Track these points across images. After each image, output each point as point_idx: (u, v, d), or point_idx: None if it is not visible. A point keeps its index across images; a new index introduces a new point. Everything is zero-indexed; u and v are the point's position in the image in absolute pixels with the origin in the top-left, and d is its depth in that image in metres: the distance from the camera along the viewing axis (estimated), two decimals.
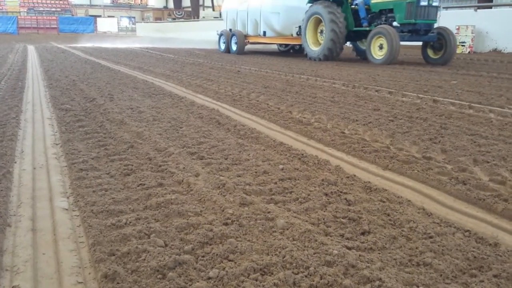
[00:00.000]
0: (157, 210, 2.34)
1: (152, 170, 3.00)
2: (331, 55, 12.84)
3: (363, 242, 2.03)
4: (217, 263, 1.84)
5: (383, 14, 12.22)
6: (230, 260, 1.86)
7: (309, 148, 3.71)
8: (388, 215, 2.32)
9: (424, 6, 11.20)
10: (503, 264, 1.85)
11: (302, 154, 3.42)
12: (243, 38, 16.50)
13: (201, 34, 31.67)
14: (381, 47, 11.55)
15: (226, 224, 2.19)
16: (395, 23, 11.79)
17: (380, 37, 11.46)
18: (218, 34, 18.24)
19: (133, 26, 56.65)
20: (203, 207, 2.40)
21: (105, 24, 55.87)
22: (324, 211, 2.37)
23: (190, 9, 55.81)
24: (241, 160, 3.26)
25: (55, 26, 47.72)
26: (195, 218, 2.23)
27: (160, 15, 62.31)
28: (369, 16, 12.55)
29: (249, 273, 1.76)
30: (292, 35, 15.32)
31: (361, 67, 10.94)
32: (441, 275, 1.78)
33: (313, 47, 13.50)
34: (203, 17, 47.24)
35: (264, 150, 3.57)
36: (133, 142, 3.66)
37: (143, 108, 5.18)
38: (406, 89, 6.93)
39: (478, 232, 2.17)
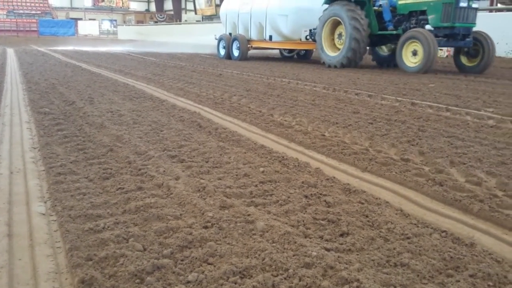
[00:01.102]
0: (136, 214, 2.33)
1: (131, 174, 2.97)
2: (353, 62, 11.59)
3: (341, 244, 2.05)
4: (196, 267, 1.83)
5: (413, 16, 10.99)
6: (209, 264, 1.86)
7: (289, 151, 3.73)
8: (367, 216, 2.35)
9: (464, 8, 10.02)
10: (479, 264, 1.88)
11: (283, 157, 3.44)
12: (246, 43, 15.05)
13: (187, 38, 31.55)
14: (414, 53, 10.31)
15: (205, 227, 2.19)
16: (428, 26, 10.41)
17: (414, 42, 10.20)
18: (216, 39, 16.80)
19: (115, 29, 56.21)
20: (183, 211, 2.39)
21: (86, 27, 55.33)
22: (304, 213, 2.39)
23: (172, 12, 55.69)
24: (222, 163, 3.26)
25: (35, 29, 47.03)
26: (175, 222, 2.22)
27: (142, 18, 61.99)
28: (396, 18, 11.37)
29: (228, 276, 1.76)
30: (300, 39, 14.13)
31: (341, 71, 11.03)
32: (418, 275, 1.80)
33: (330, 53, 12.13)
34: (185, 21, 47.21)
35: (245, 153, 3.58)
36: (112, 145, 3.63)
37: (124, 112, 5.14)
38: (385, 92, 7.02)
39: (454, 232, 2.20)
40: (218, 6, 43.11)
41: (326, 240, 2.09)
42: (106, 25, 61.22)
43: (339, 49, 11.90)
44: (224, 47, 15.95)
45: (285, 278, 1.75)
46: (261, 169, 3.12)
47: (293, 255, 1.91)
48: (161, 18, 59.71)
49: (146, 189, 2.70)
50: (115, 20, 62.02)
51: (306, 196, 2.62)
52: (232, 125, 4.71)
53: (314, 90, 7.47)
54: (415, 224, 2.27)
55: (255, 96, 6.55)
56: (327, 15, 12.08)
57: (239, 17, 15.79)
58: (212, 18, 45.49)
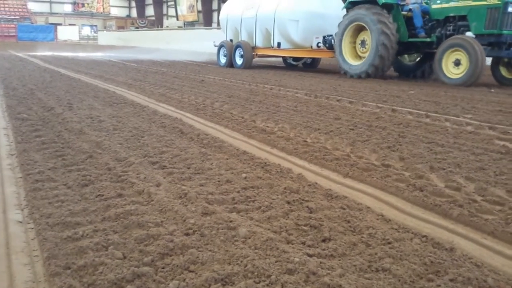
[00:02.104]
0: (116, 221, 2.29)
1: (111, 181, 2.93)
2: (379, 71, 10.49)
3: (324, 249, 2.05)
4: (177, 275, 1.81)
5: (450, 22, 9.90)
6: (190, 271, 1.84)
7: (272, 157, 3.73)
8: (348, 221, 2.36)
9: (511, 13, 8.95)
10: (459, 268, 1.90)
11: (265, 163, 3.44)
12: (251, 50, 13.87)
13: (169, 44, 31.39)
14: (457, 64, 9.19)
15: (187, 234, 2.16)
16: (469, 33, 9.34)
17: (456, 50, 9.12)
18: (215, 46, 15.57)
19: (95, 34, 55.69)
20: (164, 218, 2.36)
21: (66, 33, 54.61)
22: (286, 219, 2.38)
23: (153, 18, 55.49)
24: (204, 169, 3.24)
25: (14, 34, 46.25)
26: (156, 229, 2.19)
27: (123, 23, 61.49)
28: (430, 24, 10.23)
29: (210, 283, 1.74)
30: (311, 47, 12.93)
31: (323, 78, 11.11)
32: (399, 280, 1.81)
33: (352, 62, 11.03)
34: (167, 26, 47.05)
35: (227, 159, 3.56)
36: (92, 152, 3.58)
37: (104, 117, 5.07)
38: (366, 98, 7.09)
39: (434, 237, 2.23)
40: (200, 12, 43.18)
41: (309, 246, 2.09)
42: (86, 31, 60.60)
43: (361, 58, 10.92)
44: (225, 55, 14.71)
45: (267, 285, 1.74)
46: (244, 175, 3.11)
47: (276, 262, 1.90)
48: (142, 24, 59.40)
49: (126, 196, 2.66)
50: (95, 26, 61.42)
51: (288, 202, 2.62)
52: (214, 131, 4.69)
53: (296, 96, 7.50)
54: (396, 229, 2.29)
55: (237, 102, 6.55)
56: (349, 20, 10.94)
57: (242, 22, 14.53)
58: (194, 24, 45.48)
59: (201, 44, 26.88)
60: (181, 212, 2.39)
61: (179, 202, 2.55)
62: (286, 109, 6.01)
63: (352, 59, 11.10)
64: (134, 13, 65.94)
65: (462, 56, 9.13)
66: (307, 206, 2.55)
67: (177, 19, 48.99)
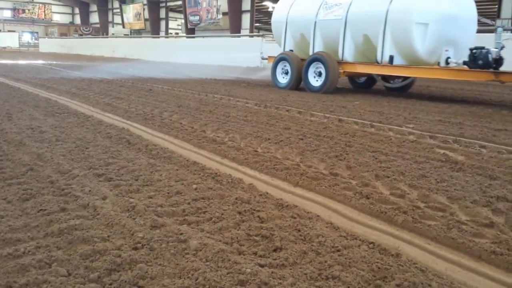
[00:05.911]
0: (60, 237, 2.19)
1: (54, 194, 2.80)
2: None
3: (275, 259, 2.06)
4: None
5: None
6: (139, 287, 1.79)
7: (222, 167, 3.71)
8: (299, 230, 2.38)
9: None
10: (405, 273, 1.97)
11: (216, 173, 3.42)
12: (337, 66, 9.65)
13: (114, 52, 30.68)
14: None
15: (135, 248, 2.10)
16: None
17: None
18: (263, 58, 11.70)
19: (36, 41, 53.59)
20: (111, 232, 2.28)
21: (4, 39, 52.29)
22: (238, 230, 2.37)
23: (98, 26, 54.13)
24: (153, 181, 3.17)
25: None
26: (102, 244, 2.11)
27: (66, 30, 59.49)
28: None
29: None
30: (439, 63, 8.80)
31: (272, 88, 11.23)
32: (348, 287, 1.84)
33: None
34: (113, 34, 46.01)
35: (177, 170, 3.51)
36: (33, 164, 3.41)
37: (45, 128, 4.86)
38: (314, 109, 7.24)
39: (381, 243, 2.29)
40: (147, 20, 42.55)
41: (260, 256, 2.09)
42: (27, 37, 58.27)
43: None
44: (287, 72, 10.63)
45: None
46: (194, 186, 3.07)
47: (227, 273, 1.89)
48: (86, 31, 57.77)
49: (70, 210, 2.56)
50: (37, 33, 59.09)
51: (239, 213, 2.61)
52: (163, 141, 4.62)
53: (246, 106, 7.53)
54: (344, 237, 2.34)
55: (186, 112, 6.48)
56: None
57: (317, 26, 10.24)
58: (141, 32, 44.76)
59: (150, 53, 26.55)
60: (129, 225, 2.32)
61: (126, 216, 2.48)
62: (236, 119, 6.01)
63: None
64: (78, 20, 63.89)
65: None
66: (258, 216, 2.56)
67: (123, 27, 48.01)
